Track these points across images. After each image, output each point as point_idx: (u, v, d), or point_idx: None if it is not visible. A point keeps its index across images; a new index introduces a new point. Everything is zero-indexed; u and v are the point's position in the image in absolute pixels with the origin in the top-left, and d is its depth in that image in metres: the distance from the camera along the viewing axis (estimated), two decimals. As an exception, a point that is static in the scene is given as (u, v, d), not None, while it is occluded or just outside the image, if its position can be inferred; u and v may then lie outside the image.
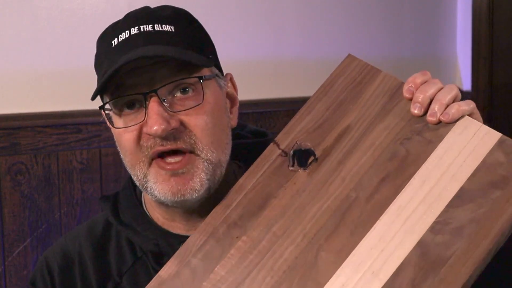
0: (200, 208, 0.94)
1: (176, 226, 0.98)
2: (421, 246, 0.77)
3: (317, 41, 2.38)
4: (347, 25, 2.44)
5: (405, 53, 2.57)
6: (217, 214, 0.87)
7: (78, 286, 1.00)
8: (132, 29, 0.90)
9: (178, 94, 0.89)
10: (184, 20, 0.94)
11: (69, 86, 1.97)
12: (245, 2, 2.20)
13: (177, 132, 0.88)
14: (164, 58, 0.87)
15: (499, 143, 0.82)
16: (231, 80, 1.00)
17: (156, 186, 0.89)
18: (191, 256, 0.84)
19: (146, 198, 1.02)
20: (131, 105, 0.90)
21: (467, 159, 0.81)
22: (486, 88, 2.59)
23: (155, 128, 0.86)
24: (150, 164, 0.90)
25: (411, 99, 0.86)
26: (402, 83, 0.89)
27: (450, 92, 0.84)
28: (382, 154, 0.85)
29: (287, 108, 2.30)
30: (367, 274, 0.77)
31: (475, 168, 0.81)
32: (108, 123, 0.96)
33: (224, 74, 0.98)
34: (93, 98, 0.94)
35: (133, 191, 1.03)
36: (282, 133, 0.90)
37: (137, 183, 0.93)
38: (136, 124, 0.89)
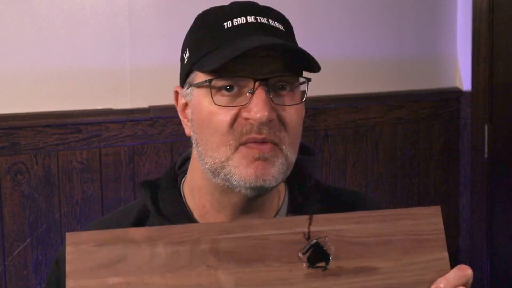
0: (249, 205, 0.96)
1: (218, 218, 0.98)
2: None
3: (317, 42, 2.38)
4: (348, 25, 2.44)
5: (405, 53, 2.57)
6: (214, 230, 0.81)
7: None
8: (249, 17, 0.93)
9: (278, 90, 0.92)
10: (288, 24, 0.98)
11: (69, 86, 1.97)
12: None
13: (273, 124, 0.91)
14: (274, 54, 0.90)
15: None
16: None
17: (238, 170, 0.90)
18: (163, 242, 0.79)
19: (188, 188, 1.02)
20: (230, 88, 0.91)
21: None
22: (486, 88, 2.58)
23: (259, 115, 0.88)
24: (236, 148, 0.91)
25: None
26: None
27: None
28: None
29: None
30: None
31: None
32: (176, 99, 1.00)
33: None
34: (208, 71, 0.92)
35: (175, 181, 1.04)
36: (324, 216, 0.83)
37: (210, 166, 0.93)
38: (237, 106, 0.90)
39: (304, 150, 1.09)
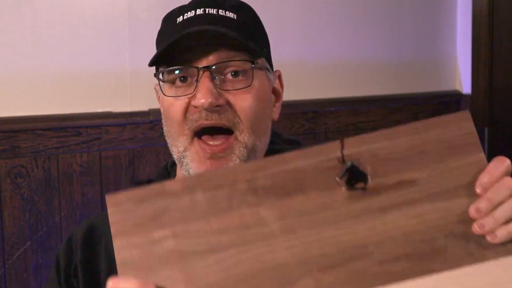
0: None
1: None
2: None
3: (318, 44, 2.38)
4: (348, 28, 2.44)
5: (405, 56, 2.57)
6: (248, 169, 0.80)
7: (100, 254, 1.02)
8: (198, 10, 0.96)
9: (229, 76, 0.94)
10: (246, 12, 1.00)
11: (69, 89, 1.97)
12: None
13: (222, 109, 0.93)
14: (222, 41, 0.93)
15: None
16: (279, 77, 1.05)
17: (193, 165, 0.94)
18: (201, 189, 0.79)
19: None
20: (184, 79, 0.95)
21: None
22: (486, 91, 2.59)
23: (202, 101, 0.91)
24: (192, 140, 0.95)
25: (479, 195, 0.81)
26: None
27: None
28: (422, 232, 0.79)
29: (286, 111, 2.30)
30: None
31: None
32: (156, 95, 1.02)
33: (274, 70, 1.04)
34: (150, 64, 0.97)
35: (168, 179, 1.06)
36: (354, 138, 0.82)
37: (175, 156, 0.98)
38: (186, 95, 0.94)
39: (291, 143, 1.12)
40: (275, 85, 1.03)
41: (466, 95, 2.65)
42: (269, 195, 0.79)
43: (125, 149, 2.01)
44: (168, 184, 0.79)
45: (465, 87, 2.67)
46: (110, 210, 0.78)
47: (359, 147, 0.81)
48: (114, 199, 0.79)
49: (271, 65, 1.02)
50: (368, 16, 2.48)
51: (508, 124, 2.59)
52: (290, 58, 2.32)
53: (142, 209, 0.78)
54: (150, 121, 2.03)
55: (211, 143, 0.94)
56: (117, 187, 2.01)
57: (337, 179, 0.80)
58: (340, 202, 0.79)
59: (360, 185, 0.79)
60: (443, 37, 2.67)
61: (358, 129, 2.47)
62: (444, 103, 2.65)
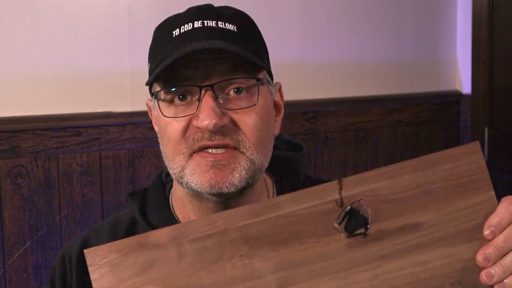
0: (229, 209, 0.94)
1: None
2: None
3: (317, 44, 2.38)
4: (348, 28, 2.44)
5: (405, 56, 2.57)
6: (240, 215, 0.75)
7: None
8: (196, 22, 0.91)
9: (232, 94, 0.90)
10: (246, 23, 0.95)
11: (69, 89, 1.97)
12: (245, 7, 2.20)
13: (226, 129, 0.88)
14: (223, 55, 0.88)
15: None
16: (280, 89, 1.01)
17: (193, 178, 0.88)
18: (188, 240, 0.73)
19: (175, 197, 1.00)
20: (182, 97, 0.90)
21: None
22: (486, 91, 2.59)
23: (206, 122, 0.86)
24: (190, 156, 0.89)
25: (489, 239, 0.77)
26: None
27: None
28: (427, 281, 0.74)
29: (286, 111, 2.29)
30: None
31: None
32: (149, 111, 0.98)
33: (274, 82, 0.99)
34: (147, 84, 0.93)
35: (162, 191, 1.02)
36: (354, 177, 0.76)
37: (173, 177, 0.93)
38: (187, 115, 0.89)
39: (292, 146, 1.08)
40: (275, 98, 0.99)
41: (466, 95, 2.65)
42: (263, 244, 0.73)
43: (125, 149, 2.01)
44: (153, 235, 0.74)
45: (465, 87, 2.67)
46: (91, 265, 0.72)
47: (359, 188, 0.75)
48: (95, 253, 0.73)
49: (271, 76, 0.97)
50: (368, 16, 2.48)
51: (508, 124, 2.59)
52: (290, 58, 2.32)
53: (126, 264, 0.72)
54: (150, 121, 2.03)
55: (213, 151, 0.88)
56: (117, 187, 2.01)
57: (336, 224, 0.74)
58: (340, 250, 0.74)
59: (360, 230, 0.74)
60: (443, 37, 2.67)
61: (358, 129, 2.47)
62: (444, 103, 2.65)
